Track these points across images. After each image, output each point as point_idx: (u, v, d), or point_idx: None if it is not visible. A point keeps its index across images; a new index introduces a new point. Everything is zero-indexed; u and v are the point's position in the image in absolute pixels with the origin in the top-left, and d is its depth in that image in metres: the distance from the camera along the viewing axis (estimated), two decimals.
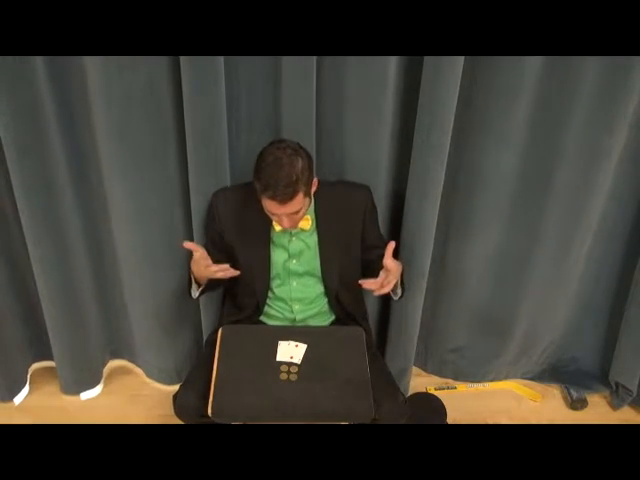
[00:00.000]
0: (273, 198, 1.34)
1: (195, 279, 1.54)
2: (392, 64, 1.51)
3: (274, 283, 1.61)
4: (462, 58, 1.44)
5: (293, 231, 1.54)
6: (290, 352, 1.50)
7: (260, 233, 1.55)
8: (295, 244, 1.56)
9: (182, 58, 1.42)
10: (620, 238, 1.85)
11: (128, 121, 1.52)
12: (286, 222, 1.42)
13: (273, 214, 1.42)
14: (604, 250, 1.87)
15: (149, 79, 1.49)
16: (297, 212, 1.41)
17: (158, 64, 1.47)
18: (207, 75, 1.44)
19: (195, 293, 1.58)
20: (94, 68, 1.45)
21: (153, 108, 1.53)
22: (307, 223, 1.52)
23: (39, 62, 1.47)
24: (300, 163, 1.35)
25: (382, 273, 1.43)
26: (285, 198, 1.34)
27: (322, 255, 1.57)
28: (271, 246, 1.56)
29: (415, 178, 1.62)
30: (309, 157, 1.41)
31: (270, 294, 1.63)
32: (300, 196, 1.37)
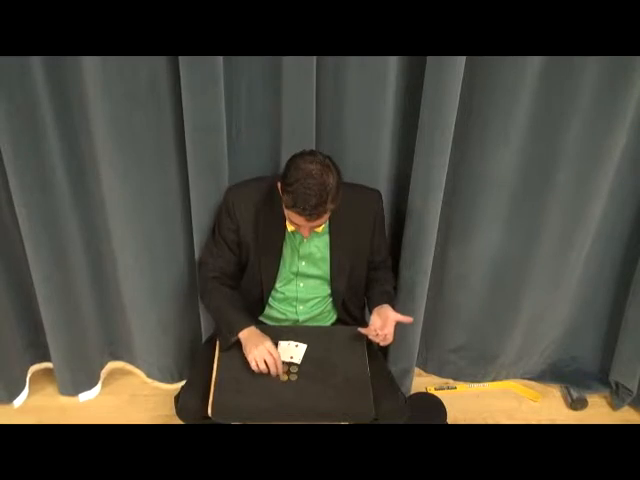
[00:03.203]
0: (301, 214, 1.33)
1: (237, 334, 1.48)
2: (392, 64, 1.51)
3: (280, 283, 1.61)
4: (464, 58, 1.44)
5: None
6: (290, 352, 1.50)
7: (275, 229, 1.53)
8: (306, 246, 1.55)
9: (181, 58, 1.41)
10: (620, 238, 1.85)
11: (127, 121, 1.52)
12: (306, 232, 1.42)
13: (295, 224, 1.41)
14: (604, 250, 1.87)
15: (149, 79, 1.48)
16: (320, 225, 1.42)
17: (158, 64, 1.47)
18: (207, 75, 1.44)
19: (229, 344, 1.51)
20: (92, 68, 1.45)
21: (152, 108, 1.53)
22: (321, 226, 1.50)
23: (36, 62, 1.46)
24: (331, 180, 1.32)
25: (375, 320, 1.49)
26: (313, 216, 1.33)
27: (333, 259, 1.56)
28: (284, 244, 1.55)
29: (418, 178, 1.62)
30: (339, 173, 1.36)
31: (275, 294, 1.63)
32: (328, 213, 1.36)
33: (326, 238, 1.55)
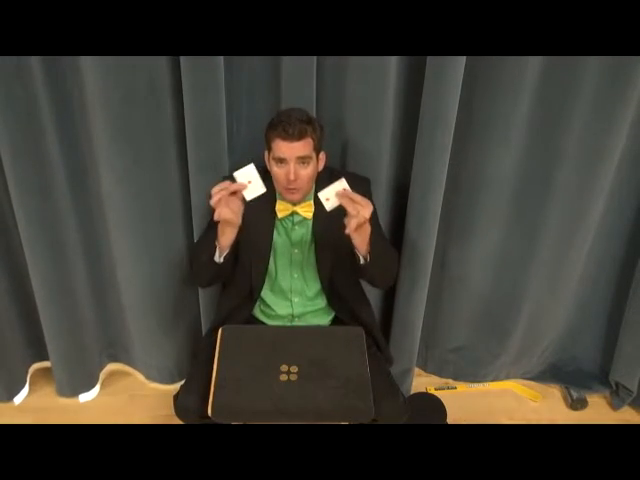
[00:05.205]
0: (284, 135, 1.36)
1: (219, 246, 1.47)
2: (392, 64, 1.51)
3: (275, 271, 1.60)
4: (464, 58, 1.44)
5: (295, 219, 1.54)
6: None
7: (265, 215, 1.54)
8: (297, 232, 1.56)
9: (183, 58, 1.41)
10: (620, 238, 1.85)
11: (127, 122, 1.52)
12: (293, 172, 1.40)
13: (282, 160, 1.40)
14: (604, 250, 1.87)
15: (148, 79, 1.48)
16: (306, 161, 1.41)
17: (157, 64, 1.47)
18: (208, 75, 1.44)
19: (220, 259, 1.50)
20: (92, 68, 1.45)
21: (152, 109, 1.53)
22: (309, 210, 1.52)
23: (35, 62, 1.46)
24: (313, 118, 1.42)
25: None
26: (295, 133, 1.36)
27: (316, 241, 1.57)
28: (275, 231, 1.56)
29: (418, 178, 1.62)
30: (320, 124, 1.45)
31: (270, 286, 1.63)
32: (310, 141, 1.39)
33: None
